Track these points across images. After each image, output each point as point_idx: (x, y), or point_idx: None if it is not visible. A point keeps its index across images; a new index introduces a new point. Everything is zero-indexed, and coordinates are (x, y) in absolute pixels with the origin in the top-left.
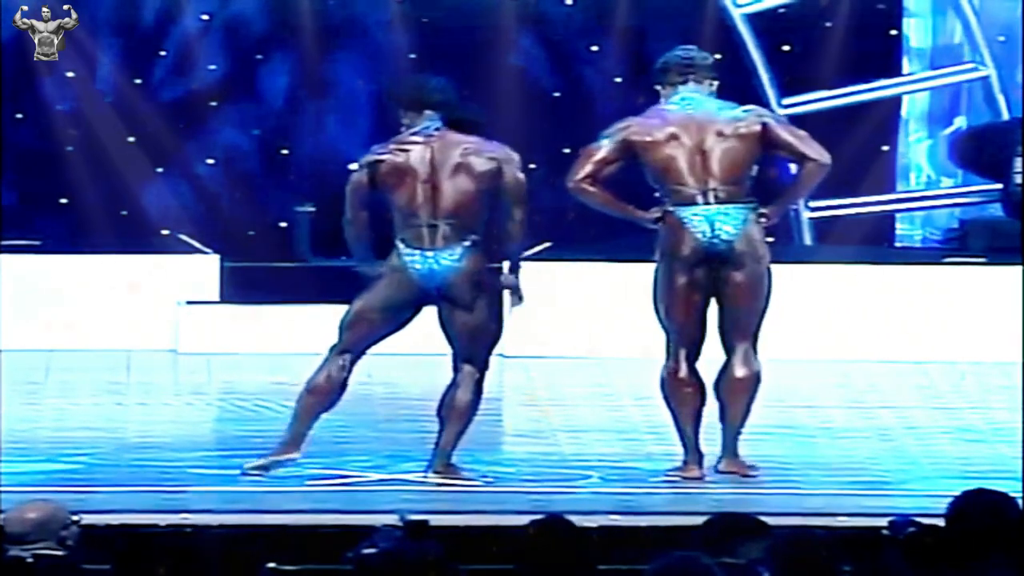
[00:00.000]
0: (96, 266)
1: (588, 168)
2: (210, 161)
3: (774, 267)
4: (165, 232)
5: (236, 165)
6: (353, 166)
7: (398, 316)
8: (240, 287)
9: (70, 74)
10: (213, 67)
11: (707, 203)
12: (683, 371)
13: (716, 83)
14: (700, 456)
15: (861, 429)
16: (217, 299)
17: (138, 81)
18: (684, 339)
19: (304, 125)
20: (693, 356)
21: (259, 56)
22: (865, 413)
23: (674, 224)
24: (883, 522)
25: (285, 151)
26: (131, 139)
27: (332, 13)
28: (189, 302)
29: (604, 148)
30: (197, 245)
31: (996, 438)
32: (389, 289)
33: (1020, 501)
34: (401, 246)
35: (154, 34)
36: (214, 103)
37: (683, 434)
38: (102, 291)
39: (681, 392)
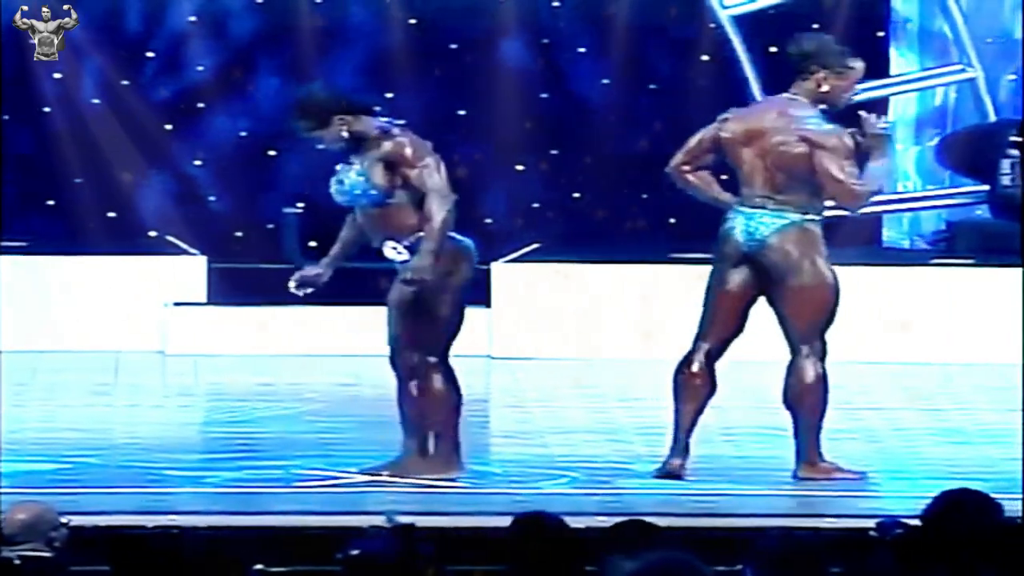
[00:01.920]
0: (83, 267)
1: (682, 156)
2: (198, 162)
3: None
4: (153, 233)
5: (224, 166)
6: (428, 152)
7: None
8: (228, 288)
9: (58, 75)
10: (201, 68)
11: (753, 207)
12: (697, 364)
13: (822, 72)
14: (686, 451)
15: (849, 430)
16: (204, 300)
17: (126, 82)
18: (711, 334)
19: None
20: (715, 352)
21: (248, 57)
22: (852, 414)
23: (726, 221)
24: (871, 523)
25: (273, 152)
26: (119, 140)
27: (321, 14)
28: (176, 303)
29: (698, 137)
30: (184, 246)
31: (983, 440)
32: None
33: (1018, 502)
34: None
35: (142, 35)
36: (202, 104)
37: (678, 426)
38: (89, 292)
39: (690, 383)
